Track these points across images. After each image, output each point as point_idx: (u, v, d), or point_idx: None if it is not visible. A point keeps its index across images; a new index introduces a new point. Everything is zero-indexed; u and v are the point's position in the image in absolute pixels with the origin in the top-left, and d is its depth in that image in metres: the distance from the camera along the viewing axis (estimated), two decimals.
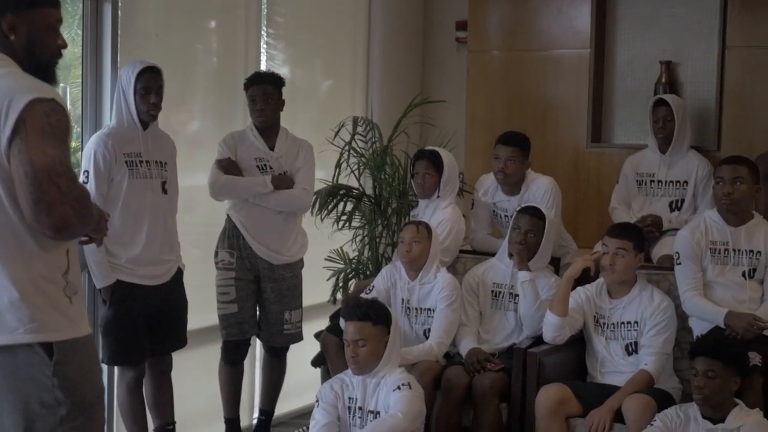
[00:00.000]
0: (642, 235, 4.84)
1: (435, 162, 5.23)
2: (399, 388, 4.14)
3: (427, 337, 4.90)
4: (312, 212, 5.60)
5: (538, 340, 4.81)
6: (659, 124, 5.56)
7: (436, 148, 5.36)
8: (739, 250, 4.61)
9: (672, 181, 5.58)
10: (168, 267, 4.66)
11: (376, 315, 4.24)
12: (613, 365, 4.66)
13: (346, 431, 4.26)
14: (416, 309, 4.96)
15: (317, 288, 5.85)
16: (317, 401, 4.28)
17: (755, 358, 4.21)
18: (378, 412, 4.20)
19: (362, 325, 4.21)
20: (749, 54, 5.79)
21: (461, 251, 5.37)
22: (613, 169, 5.91)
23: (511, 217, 5.16)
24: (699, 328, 4.65)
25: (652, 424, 4.13)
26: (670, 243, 5.26)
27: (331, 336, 5.00)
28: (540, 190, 5.32)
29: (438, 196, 5.24)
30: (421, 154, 5.31)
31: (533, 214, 4.97)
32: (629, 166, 5.71)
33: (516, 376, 4.67)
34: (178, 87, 5.20)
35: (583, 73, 6.20)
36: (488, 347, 4.92)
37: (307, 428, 4.31)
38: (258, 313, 5.24)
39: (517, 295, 4.95)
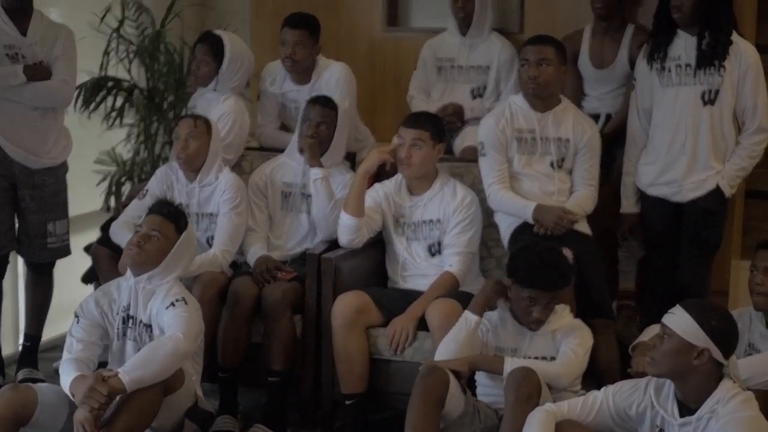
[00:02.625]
0: (440, 124, 4.49)
1: (215, 48, 4.70)
2: (173, 304, 3.66)
3: (210, 245, 4.44)
4: (75, 107, 5.08)
5: (333, 244, 4.42)
6: (458, 4, 5.21)
7: (220, 32, 4.86)
8: (546, 138, 4.30)
9: (473, 66, 5.26)
10: None
11: (177, 217, 3.83)
12: (415, 268, 4.34)
13: (118, 344, 3.77)
14: (197, 214, 4.49)
15: (86, 195, 5.38)
16: (76, 317, 3.75)
17: (568, 254, 3.90)
18: (149, 326, 3.71)
19: (163, 221, 3.76)
20: None
21: (246, 148, 4.93)
22: (412, 55, 5.52)
23: (302, 108, 4.69)
24: (506, 223, 4.35)
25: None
26: (473, 133, 4.98)
27: (102, 248, 4.52)
28: (333, 78, 4.91)
29: (215, 90, 4.72)
30: (203, 38, 4.83)
31: (325, 104, 4.55)
32: (428, 50, 5.35)
33: (310, 285, 4.28)
34: None
35: None
36: (279, 254, 4.53)
37: None
38: (17, 225, 4.67)
39: (309, 195, 4.55)
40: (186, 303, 3.68)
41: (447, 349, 3.71)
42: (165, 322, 3.63)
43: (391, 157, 4.36)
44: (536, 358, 3.71)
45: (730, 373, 3.02)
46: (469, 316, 3.72)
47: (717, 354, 2.97)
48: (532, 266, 3.67)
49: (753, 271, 3.75)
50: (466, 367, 3.65)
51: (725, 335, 3.00)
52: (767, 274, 3.70)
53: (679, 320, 3.02)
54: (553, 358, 3.71)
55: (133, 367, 3.44)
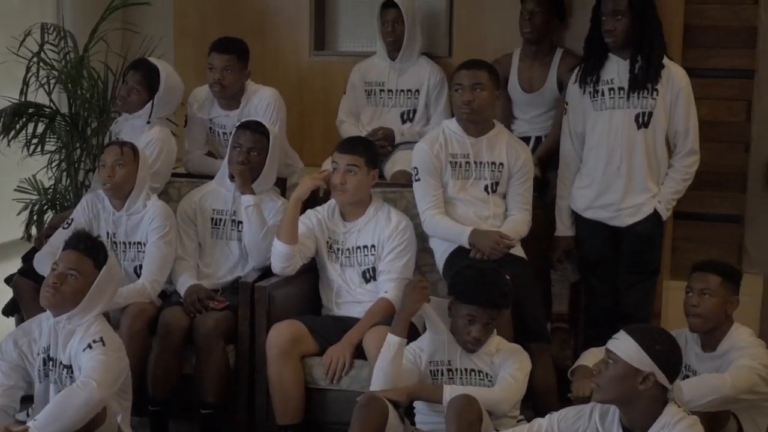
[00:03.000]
0: (375, 150, 4.44)
1: (149, 77, 4.65)
2: (90, 346, 3.46)
3: (138, 275, 4.32)
4: None
5: (266, 271, 4.34)
6: (388, 28, 5.18)
7: (156, 61, 4.77)
8: (480, 163, 4.27)
9: (403, 90, 5.25)
10: None
11: (95, 251, 3.60)
12: (350, 295, 4.27)
13: (41, 387, 3.61)
14: (124, 243, 4.37)
15: (6, 224, 5.25)
16: None
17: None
18: (70, 367, 3.55)
19: (79, 257, 3.54)
20: None
21: (174, 174, 4.82)
22: (340, 79, 5.50)
23: (231, 134, 4.63)
24: (441, 249, 4.31)
25: None
26: (404, 157, 5.00)
27: (25, 280, 4.37)
28: (262, 102, 4.84)
29: (148, 122, 4.65)
30: (137, 66, 4.72)
31: (256, 129, 4.46)
32: (357, 74, 5.33)
33: (243, 314, 4.19)
34: None
35: None
36: (209, 283, 4.41)
37: None
38: None
39: (240, 222, 4.46)
40: (104, 344, 3.48)
41: (377, 379, 3.65)
42: (82, 365, 3.47)
43: (324, 183, 4.30)
44: (472, 370, 3.68)
45: (675, 398, 3.01)
46: (391, 340, 3.65)
47: (662, 378, 2.96)
48: (472, 283, 3.64)
49: (688, 292, 3.77)
50: (404, 396, 3.59)
51: (670, 359, 2.99)
52: (702, 295, 3.72)
53: (623, 345, 3.00)
54: (488, 374, 3.69)
55: (46, 421, 3.28)
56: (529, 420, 3.46)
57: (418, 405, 3.73)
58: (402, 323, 3.69)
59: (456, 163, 4.27)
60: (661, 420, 2.98)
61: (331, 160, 4.29)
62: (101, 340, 3.49)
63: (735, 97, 4.84)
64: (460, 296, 3.65)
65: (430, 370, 3.73)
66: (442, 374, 3.72)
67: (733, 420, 3.62)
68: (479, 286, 3.62)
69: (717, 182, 4.85)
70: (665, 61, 4.27)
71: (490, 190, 4.27)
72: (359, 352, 4.02)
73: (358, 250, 4.27)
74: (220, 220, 4.51)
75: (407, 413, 3.68)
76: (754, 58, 4.83)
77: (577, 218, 4.46)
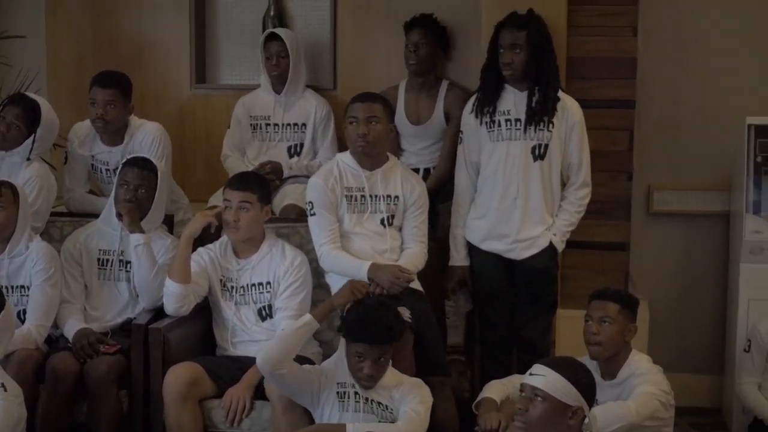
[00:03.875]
0: (268, 186, 4.38)
1: (29, 112, 4.49)
2: None
3: (22, 320, 4.15)
4: None
5: (158, 312, 4.22)
6: (272, 61, 5.14)
7: (35, 97, 4.61)
8: (376, 196, 4.24)
9: (289, 124, 5.19)
10: None
11: None
12: (245, 333, 4.19)
13: None
14: (7, 287, 4.18)
15: None
16: None
17: (405, 313, 3.86)
18: None
19: None
20: None
21: (54, 213, 4.65)
22: (223, 113, 5.42)
23: (115, 171, 4.52)
24: (338, 284, 4.23)
25: None
26: (293, 191, 4.98)
27: None
28: (147, 138, 4.72)
29: (28, 158, 4.45)
30: (16, 101, 4.54)
31: (143, 166, 4.36)
32: (241, 108, 5.24)
33: (137, 358, 4.06)
34: None
35: (183, 6, 5.58)
36: (99, 326, 4.27)
37: None
38: None
39: (129, 262, 4.34)
40: (5, 389, 3.33)
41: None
42: None
43: (216, 220, 4.20)
44: (373, 400, 3.67)
45: (591, 427, 3.03)
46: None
47: (587, 410, 2.98)
48: (357, 321, 3.65)
49: (587, 321, 3.82)
50: None
51: (592, 390, 3.02)
52: (602, 323, 3.77)
53: (550, 381, 2.99)
54: (388, 407, 3.66)
55: None
56: None
57: None
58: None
59: (351, 196, 4.23)
60: None
61: (223, 197, 4.20)
62: (2, 386, 3.32)
63: (617, 126, 4.94)
64: (347, 335, 3.66)
65: (337, 392, 3.71)
66: (349, 397, 3.70)
67: None
68: (364, 324, 3.63)
69: (602, 210, 4.93)
70: (560, 94, 4.34)
71: (386, 223, 4.24)
72: (259, 393, 3.93)
73: (253, 288, 4.19)
74: (108, 260, 4.36)
75: None
76: (633, 89, 4.96)
77: (472, 249, 4.46)
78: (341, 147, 4.80)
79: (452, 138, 4.72)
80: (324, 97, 5.24)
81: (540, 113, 4.28)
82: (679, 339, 5.31)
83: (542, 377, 3.00)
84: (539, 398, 2.97)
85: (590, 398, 3.00)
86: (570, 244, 4.66)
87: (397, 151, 5.04)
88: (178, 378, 3.88)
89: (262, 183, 4.30)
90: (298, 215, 4.67)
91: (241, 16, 5.62)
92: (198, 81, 5.63)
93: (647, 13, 5.05)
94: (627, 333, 3.79)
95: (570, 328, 4.29)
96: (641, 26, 4.99)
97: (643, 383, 3.68)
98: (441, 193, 4.79)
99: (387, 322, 3.66)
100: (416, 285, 4.23)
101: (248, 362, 4.02)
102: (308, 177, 4.53)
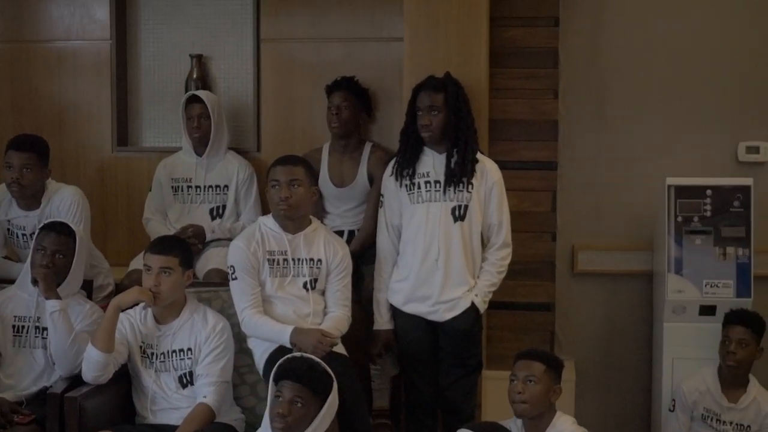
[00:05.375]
0: (189, 250, 4.33)
1: None
2: None
3: None
4: None
5: (76, 380, 4.11)
6: (193, 123, 5.12)
7: None
8: (299, 260, 4.20)
9: (211, 186, 5.16)
10: None
11: None
12: (166, 401, 4.10)
13: None
14: None
15: None
16: None
17: None
18: None
19: None
20: (284, 48, 5.46)
21: None
22: (145, 176, 5.39)
23: (31, 235, 4.44)
24: (260, 349, 4.19)
25: None
26: (216, 255, 4.92)
27: None
28: (65, 202, 4.65)
29: None
30: None
31: (60, 231, 4.27)
32: (163, 171, 5.21)
33: (52, 428, 3.95)
34: None
35: (105, 68, 5.55)
36: (12, 395, 4.16)
37: None
38: None
39: (45, 329, 4.23)
40: None
41: None
42: None
43: (151, 299, 4.08)
44: None
45: None
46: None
47: None
48: (284, 360, 3.57)
49: (513, 380, 3.80)
50: None
51: None
52: (527, 382, 3.75)
53: None
54: None
55: None
56: None
57: None
58: (108, 316, 4.00)
59: (274, 260, 4.19)
60: None
61: (144, 262, 4.12)
62: None
63: (540, 188, 5.00)
64: (273, 375, 3.55)
65: None
66: None
67: None
68: (288, 360, 3.56)
69: (527, 271, 4.97)
70: (479, 155, 4.36)
71: (309, 287, 4.20)
72: None
73: (174, 354, 4.10)
74: (23, 327, 4.26)
75: None
76: (556, 150, 5.01)
77: (395, 312, 4.43)
78: (265, 209, 4.76)
79: (376, 200, 4.69)
80: (247, 159, 5.23)
81: (459, 174, 4.29)
82: (605, 399, 5.31)
83: None
84: None
85: None
86: (495, 304, 4.66)
87: (321, 213, 5.01)
88: None
89: (183, 247, 4.25)
90: (223, 279, 4.60)
91: (164, 78, 5.59)
92: (120, 143, 5.58)
93: (568, 76, 5.12)
94: (552, 394, 3.78)
95: (496, 389, 4.26)
96: (562, 89, 5.08)
97: None
98: (366, 255, 4.76)
99: (312, 364, 3.58)
100: (340, 349, 4.18)
101: (168, 430, 3.95)
102: (231, 240, 4.49)
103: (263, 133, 5.43)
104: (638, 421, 5.25)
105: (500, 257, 4.39)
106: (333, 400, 3.61)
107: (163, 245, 4.15)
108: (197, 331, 4.11)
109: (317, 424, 3.55)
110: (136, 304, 4.11)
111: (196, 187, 5.14)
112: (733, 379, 4.59)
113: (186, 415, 3.98)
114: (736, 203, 4.85)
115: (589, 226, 5.28)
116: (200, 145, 5.13)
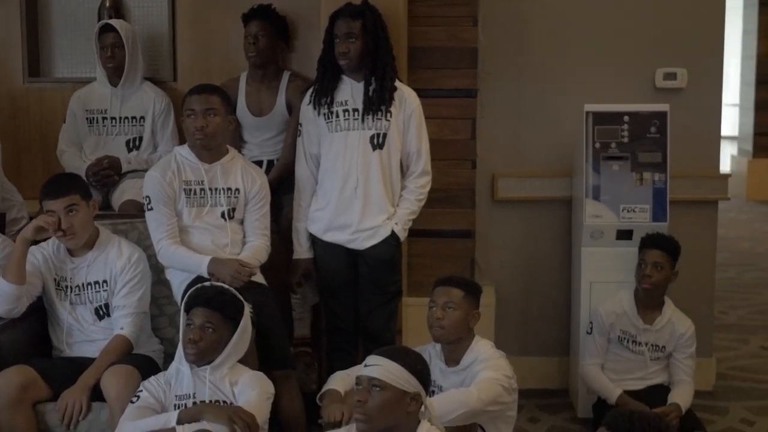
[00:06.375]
0: (84, 182, 4.26)
1: None
2: None
3: None
4: None
5: None
6: (107, 53, 4.98)
7: None
8: (216, 189, 4.15)
9: (127, 117, 5.06)
10: None
11: None
12: (82, 334, 4.06)
13: None
14: None
15: None
16: None
17: (247, 308, 3.78)
18: None
19: None
20: None
21: None
22: (58, 107, 5.25)
23: None
24: (178, 279, 4.14)
25: (137, 397, 3.53)
26: (132, 186, 4.86)
27: None
28: None
29: None
30: None
31: None
32: (77, 102, 5.08)
33: None
34: None
35: None
36: None
37: None
38: None
39: None
40: None
41: None
42: None
43: (54, 224, 3.99)
44: (216, 401, 3.55)
45: (427, 415, 3.01)
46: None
47: (424, 396, 2.95)
48: (195, 289, 3.59)
49: (432, 306, 3.81)
50: None
51: (427, 377, 3.00)
52: (446, 309, 3.76)
53: (387, 370, 2.94)
54: (232, 404, 3.55)
55: None
56: None
57: None
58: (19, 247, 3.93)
59: (190, 190, 4.13)
60: None
61: (45, 210, 4.01)
62: None
63: (460, 116, 4.97)
64: (185, 305, 3.58)
65: (175, 404, 3.57)
66: (187, 407, 3.57)
67: (480, 431, 3.70)
68: (200, 289, 3.59)
69: (447, 199, 4.97)
70: (397, 83, 4.32)
71: (227, 216, 4.16)
72: (96, 394, 3.79)
73: (89, 287, 4.05)
74: None
75: None
76: (475, 78, 4.99)
77: (315, 241, 4.41)
78: (182, 140, 4.69)
79: (295, 129, 4.63)
80: (163, 89, 5.13)
81: (377, 103, 4.25)
82: (525, 323, 5.38)
83: (378, 367, 2.96)
84: (377, 388, 2.92)
85: (426, 385, 2.98)
86: (416, 232, 4.67)
87: (239, 143, 4.94)
88: (10, 382, 3.71)
89: (77, 180, 4.17)
90: (138, 210, 4.53)
91: (75, 6, 5.42)
92: (31, 74, 5.41)
93: (487, 4, 5.08)
94: (471, 319, 3.80)
95: (417, 316, 4.26)
96: (482, 16, 5.04)
97: (485, 369, 3.69)
98: (285, 185, 4.71)
99: (221, 290, 3.61)
100: (259, 278, 4.16)
101: (85, 363, 3.90)
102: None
103: (179, 63, 5.31)
104: (557, 345, 5.33)
105: (420, 185, 4.38)
106: (245, 325, 3.61)
107: (59, 187, 4.00)
108: (112, 263, 4.04)
109: (230, 349, 3.57)
110: (47, 237, 4.03)
111: (112, 118, 5.04)
112: (648, 302, 4.67)
113: (103, 347, 3.94)
114: (653, 129, 4.90)
115: (508, 153, 5.29)
116: (114, 75, 5.01)
